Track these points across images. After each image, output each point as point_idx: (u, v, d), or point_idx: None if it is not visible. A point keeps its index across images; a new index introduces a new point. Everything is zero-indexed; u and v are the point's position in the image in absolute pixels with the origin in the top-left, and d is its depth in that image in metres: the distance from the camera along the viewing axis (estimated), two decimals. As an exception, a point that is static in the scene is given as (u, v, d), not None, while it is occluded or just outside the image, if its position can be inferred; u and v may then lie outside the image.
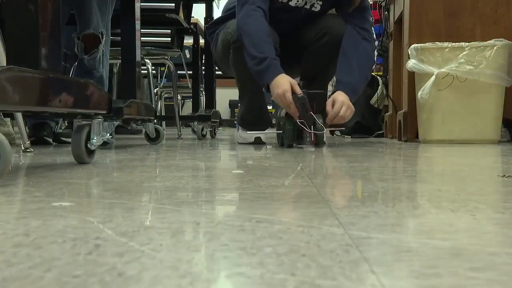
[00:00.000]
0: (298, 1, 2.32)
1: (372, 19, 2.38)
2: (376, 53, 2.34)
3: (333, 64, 2.27)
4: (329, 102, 2.14)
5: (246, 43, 2.16)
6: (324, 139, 2.42)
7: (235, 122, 2.77)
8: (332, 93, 2.20)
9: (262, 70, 2.12)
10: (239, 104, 2.65)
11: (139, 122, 2.19)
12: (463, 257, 0.44)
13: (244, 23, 2.20)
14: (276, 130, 2.24)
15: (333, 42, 2.29)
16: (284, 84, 2.08)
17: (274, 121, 2.99)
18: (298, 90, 2.08)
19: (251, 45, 2.14)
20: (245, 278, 0.38)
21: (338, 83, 2.19)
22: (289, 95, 2.06)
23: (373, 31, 2.34)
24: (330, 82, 2.69)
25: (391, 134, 3.24)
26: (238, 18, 2.24)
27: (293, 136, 2.15)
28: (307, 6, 2.34)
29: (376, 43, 2.35)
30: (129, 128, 2.40)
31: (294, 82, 2.10)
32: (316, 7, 2.35)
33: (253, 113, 2.45)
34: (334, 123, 2.14)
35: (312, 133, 2.09)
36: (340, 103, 2.11)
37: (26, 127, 2.13)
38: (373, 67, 2.34)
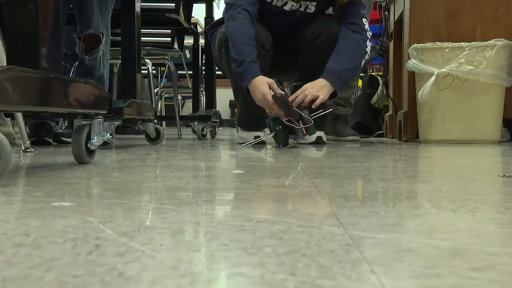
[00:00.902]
0: (292, 5, 2.33)
1: (364, 11, 2.36)
2: (369, 43, 2.30)
3: None
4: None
5: (230, 46, 2.18)
6: (324, 139, 2.42)
7: (235, 122, 2.78)
8: None
9: (240, 73, 2.14)
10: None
11: (139, 122, 2.19)
12: (463, 257, 0.44)
13: (228, 26, 2.22)
14: (270, 133, 2.25)
15: (328, 41, 2.29)
16: (261, 87, 2.08)
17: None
18: (277, 89, 2.08)
19: (232, 47, 2.17)
20: (245, 278, 0.38)
21: (324, 71, 2.20)
22: (269, 97, 2.07)
23: (365, 23, 2.32)
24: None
25: (391, 134, 3.24)
26: (225, 21, 2.25)
27: (284, 135, 2.16)
28: (302, 9, 2.35)
29: (369, 34, 2.31)
30: (135, 128, 2.41)
31: (272, 81, 2.11)
32: (310, 9, 2.36)
33: (249, 113, 2.45)
34: (312, 108, 2.15)
35: (302, 127, 2.09)
36: (301, 90, 2.14)
37: (26, 127, 2.13)
38: (366, 56, 2.30)
